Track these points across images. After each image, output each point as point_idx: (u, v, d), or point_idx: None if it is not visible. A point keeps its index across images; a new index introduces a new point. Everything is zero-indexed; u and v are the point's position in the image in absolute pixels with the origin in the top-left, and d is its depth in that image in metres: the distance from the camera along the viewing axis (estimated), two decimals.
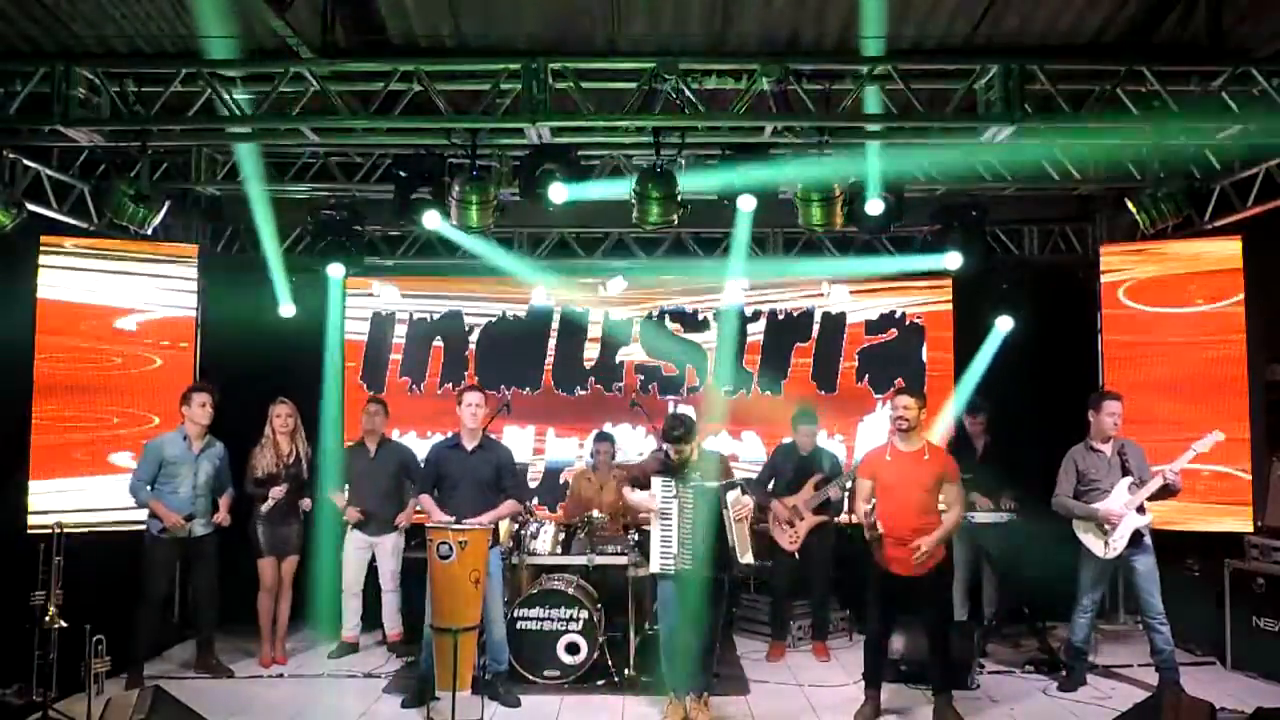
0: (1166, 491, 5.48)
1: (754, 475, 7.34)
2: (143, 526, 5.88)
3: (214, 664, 6.03)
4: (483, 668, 5.37)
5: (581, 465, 7.74)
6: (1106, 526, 5.52)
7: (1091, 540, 5.60)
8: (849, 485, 6.00)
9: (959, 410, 7.25)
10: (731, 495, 4.97)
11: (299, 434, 6.34)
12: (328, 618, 6.71)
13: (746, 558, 4.97)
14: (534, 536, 6.15)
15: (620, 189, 6.01)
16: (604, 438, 7.04)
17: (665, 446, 5.13)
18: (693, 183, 5.93)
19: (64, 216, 6.57)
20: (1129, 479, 5.53)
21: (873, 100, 5.36)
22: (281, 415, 6.26)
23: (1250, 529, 6.30)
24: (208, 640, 6.08)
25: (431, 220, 6.09)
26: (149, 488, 5.80)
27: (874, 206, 6.02)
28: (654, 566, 5.07)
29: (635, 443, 7.69)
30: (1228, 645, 6.12)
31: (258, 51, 5.43)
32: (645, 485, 5.16)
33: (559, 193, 5.86)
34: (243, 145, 6.18)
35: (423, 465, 5.69)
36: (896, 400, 5.19)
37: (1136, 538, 5.51)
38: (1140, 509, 5.49)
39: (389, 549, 6.55)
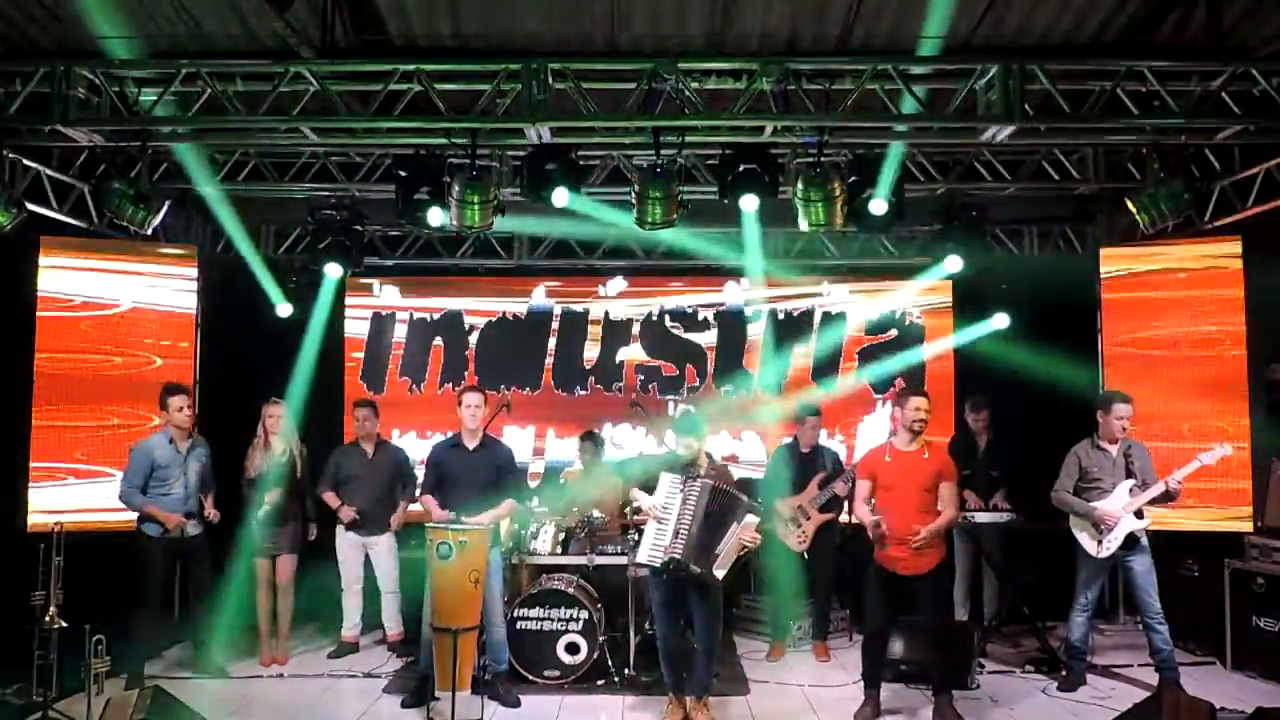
0: (1166, 498, 5.48)
1: (754, 476, 7.38)
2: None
3: (211, 664, 6.03)
4: (483, 668, 5.37)
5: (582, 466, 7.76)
6: (1102, 526, 5.52)
7: (1086, 538, 5.60)
8: (851, 482, 5.98)
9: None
10: (750, 518, 4.94)
11: (292, 434, 6.33)
12: (326, 617, 6.74)
13: (720, 571, 4.95)
14: (534, 536, 6.15)
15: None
16: (586, 437, 7.03)
17: (676, 441, 5.14)
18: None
19: (64, 216, 6.57)
20: (1132, 481, 5.52)
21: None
22: (274, 415, 6.25)
23: (1250, 529, 6.30)
24: (204, 640, 6.06)
25: (435, 217, 6.07)
26: (140, 492, 5.79)
27: (878, 207, 6.03)
28: (641, 556, 5.05)
29: (635, 443, 7.69)
30: (1228, 645, 6.11)
31: (258, 51, 5.43)
32: (653, 488, 5.15)
33: (560, 197, 5.87)
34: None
35: (424, 466, 5.68)
36: (911, 401, 5.15)
37: (1132, 540, 5.51)
38: (1139, 513, 5.50)
39: (384, 550, 6.54)
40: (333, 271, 7.11)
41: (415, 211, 6.14)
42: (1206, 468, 5.49)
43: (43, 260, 6.57)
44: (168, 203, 6.12)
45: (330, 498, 6.50)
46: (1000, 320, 7.46)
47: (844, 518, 6.39)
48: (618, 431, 7.53)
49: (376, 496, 6.50)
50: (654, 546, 4.97)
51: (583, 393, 8.06)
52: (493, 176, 5.94)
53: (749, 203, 5.85)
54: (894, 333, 8.09)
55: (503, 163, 6.47)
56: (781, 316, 8.12)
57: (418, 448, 7.22)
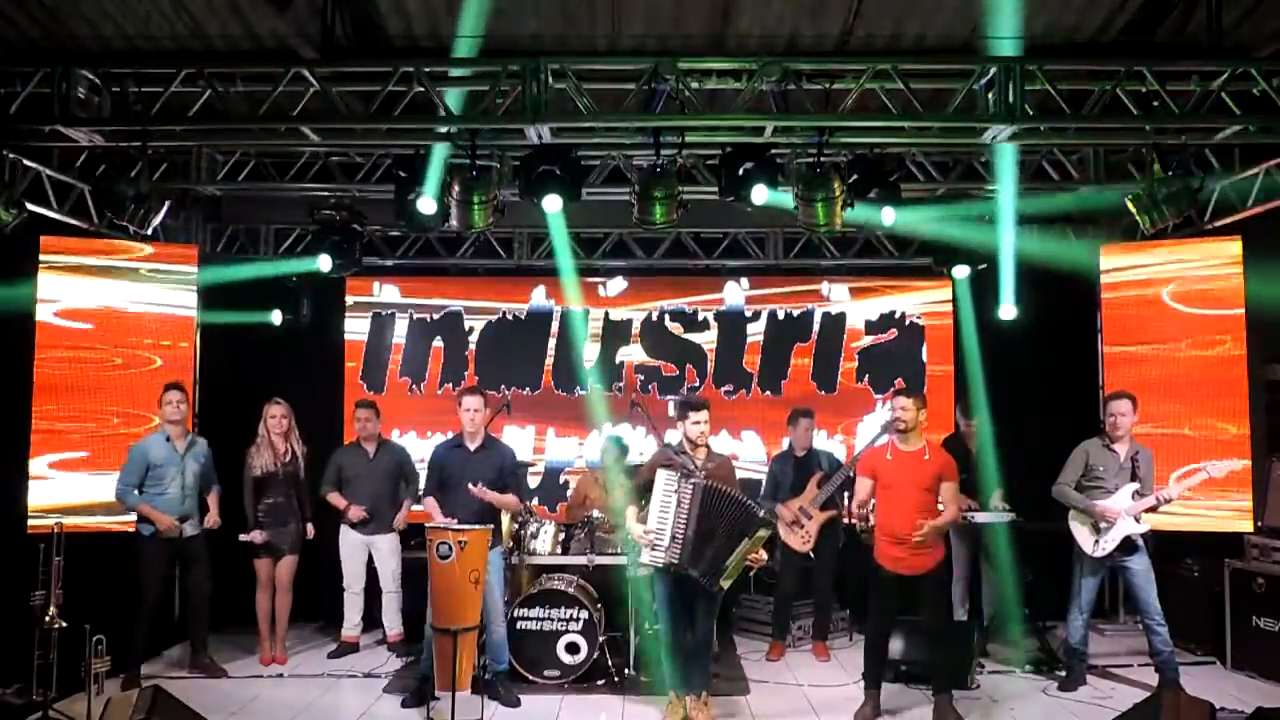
0: (1153, 509, 5.51)
1: (753, 477, 7.38)
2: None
3: (207, 663, 6.03)
4: (483, 668, 5.37)
5: (583, 465, 7.74)
6: (1101, 524, 5.52)
7: (1084, 535, 5.61)
8: (852, 474, 5.97)
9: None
10: (763, 532, 4.92)
11: (293, 434, 6.34)
12: (326, 617, 6.75)
13: (726, 582, 4.97)
14: (534, 536, 6.15)
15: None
16: (615, 440, 7.03)
17: (681, 420, 5.15)
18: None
19: (64, 216, 6.57)
20: (1135, 485, 5.52)
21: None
22: (276, 415, 6.25)
23: (1250, 529, 6.30)
24: (201, 640, 6.08)
25: (427, 206, 6.04)
26: (136, 492, 5.80)
27: (888, 215, 6.04)
28: (644, 556, 5.06)
29: (635, 443, 7.68)
30: (1228, 645, 6.12)
31: (258, 51, 5.44)
32: (648, 490, 5.13)
33: (553, 203, 5.87)
34: None
35: (426, 467, 5.68)
36: (895, 401, 5.21)
37: (1129, 544, 5.51)
38: (1137, 518, 5.50)
39: (386, 549, 6.54)
40: (324, 264, 7.10)
41: (414, 212, 6.14)
42: (1212, 476, 5.49)
43: (43, 260, 6.57)
44: (168, 203, 6.11)
45: (335, 498, 6.51)
46: (1008, 311, 7.41)
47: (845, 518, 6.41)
48: (617, 431, 7.51)
49: (378, 496, 6.50)
50: (655, 548, 4.98)
51: (583, 393, 8.06)
52: (493, 176, 5.94)
53: (759, 194, 5.83)
54: (894, 333, 8.09)
55: (503, 163, 6.47)
56: (781, 316, 8.13)
57: (418, 448, 7.22)
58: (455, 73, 5.40)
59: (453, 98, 5.43)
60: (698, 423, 5.09)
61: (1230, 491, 6.39)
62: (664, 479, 5.04)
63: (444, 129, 5.69)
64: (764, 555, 5.01)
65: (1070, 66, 5.41)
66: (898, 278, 8.10)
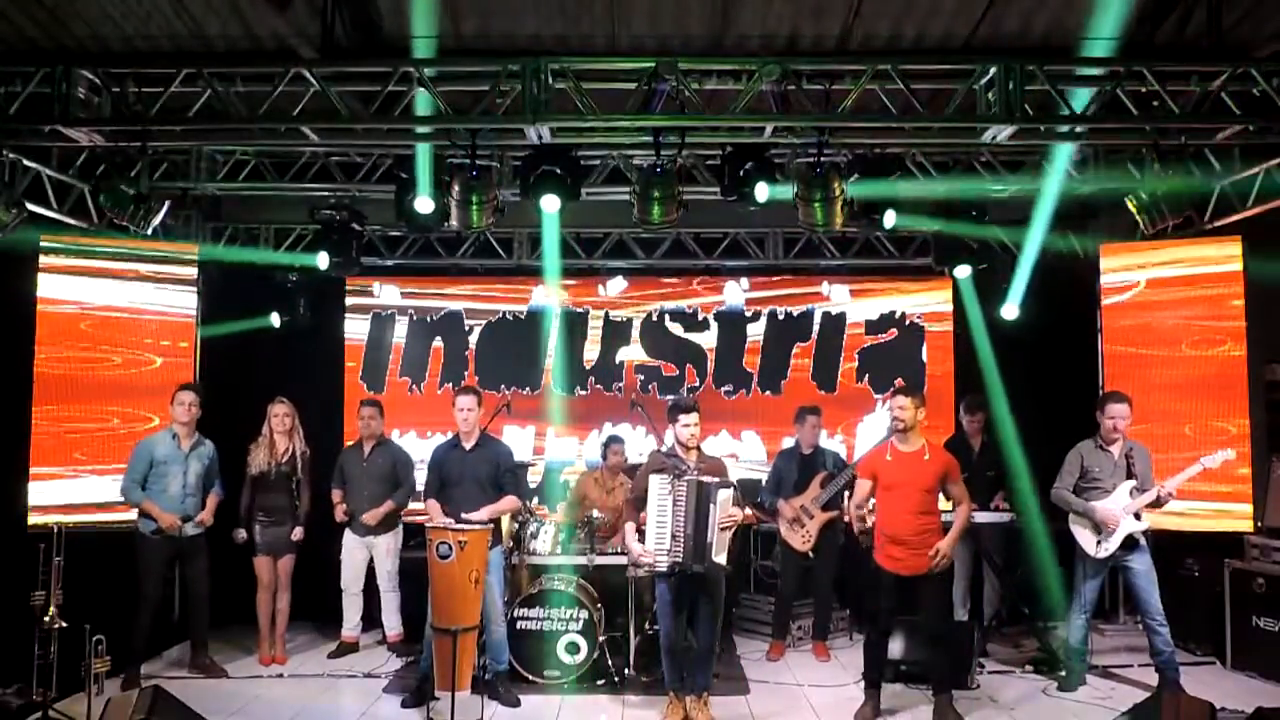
0: (1156, 504, 5.50)
1: (753, 476, 7.38)
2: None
3: (208, 663, 6.04)
4: (483, 668, 5.37)
5: (583, 466, 7.74)
6: (1103, 528, 5.52)
7: (1086, 537, 5.60)
8: (855, 476, 5.97)
9: None
10: (723, 495, 4.96)
11: (296, 433, 6.35)
12: (326, 617, 6.75)
13: (720, 557, 4.97)
14: (534, 536, 6.15)
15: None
16: (616, 440, 7.03)
17: (672, 423, 5.15)
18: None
19: (64, 216, 6.57)
20: (1132, 482, 5.52)
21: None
22: (279, 414, 6.27)
23: (1250, 529, 6.30)
24: (202, 640, 6.08)
25: (424, 205, 6.05)
26: (140, 488, 5.81)
27: (889, 218, 6.03)
28: (645, 566, 5.06)
29: (635, 443, 7.69)
30: (1228, 645, 6.12)
31: (258, 52, 5.43)
32: (644, 501, 5.12)
33: (551, 204, 5.87)
34: None
35: (427, 469, 5.68)
36: (893, 400, 5.21)
37: (1130, 542, 5.51)
38: (1137, 515, 5.50)
39: (384, 549, 6.54)
40: (322, 262, 7.11)
41: (414, 213, 6.14)
42: (1206, 468, 5.50)
43: (43, 260, 6.56)
44: (168, 203, 6.11)
45: (335, 496, 6.54)
46: (1010, 310, 7.41)
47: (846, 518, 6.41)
48: (618, 431, 7.51)
49: (370, 497, 6.48)
50: (656, 552, 4.98)
51: (583, 393, 8.06)
52: (493, 176, 5.94)
53: (761, 192, 5.83)
54: (894, 333, 8.09)
55: (503, 163, 6.47)
56: (781, 316, 8.13)
57: (418, 448, 7.22)
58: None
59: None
60: (688, 425, 5.10)
61: (1229, 489, 6.39)
62: (657, 484, 5.04)
63: (437, 128, 5.69)
64: (735, 512, 4.98)
65: (1070, 67, 5.40)
66: (898, 278, 8.11)
